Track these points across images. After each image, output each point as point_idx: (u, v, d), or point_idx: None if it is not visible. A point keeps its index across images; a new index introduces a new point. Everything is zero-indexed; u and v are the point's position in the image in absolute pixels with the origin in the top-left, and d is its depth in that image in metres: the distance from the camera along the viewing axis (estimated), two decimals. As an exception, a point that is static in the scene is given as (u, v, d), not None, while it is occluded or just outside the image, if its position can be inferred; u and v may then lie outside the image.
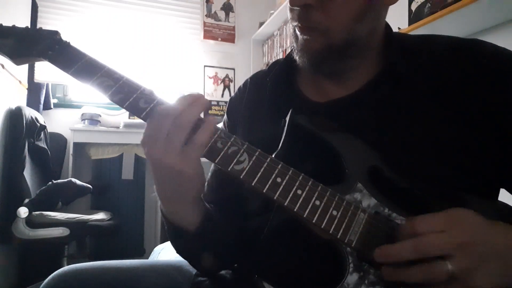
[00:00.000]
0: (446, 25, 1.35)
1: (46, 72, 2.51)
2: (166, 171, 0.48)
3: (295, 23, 0.54)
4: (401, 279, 0.41)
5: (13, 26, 0.56)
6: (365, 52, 0.57)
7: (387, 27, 0.59)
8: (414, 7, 1.53)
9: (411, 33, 0.63)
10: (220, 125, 0.55)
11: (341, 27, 0.51)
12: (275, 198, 0.45)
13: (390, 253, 0.42)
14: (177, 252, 0.64)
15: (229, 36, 3.13)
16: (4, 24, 0.56)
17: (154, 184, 0.52)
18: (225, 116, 0.75)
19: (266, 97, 0.65)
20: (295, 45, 0.57)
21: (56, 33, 0.55)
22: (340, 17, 0.50)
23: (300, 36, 0.54)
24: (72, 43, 0.55)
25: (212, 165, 0.73)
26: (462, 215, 0.42)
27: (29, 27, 0.57)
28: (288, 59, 0.65)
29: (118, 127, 2.63)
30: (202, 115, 0.48)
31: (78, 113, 2.62)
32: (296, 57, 0.57)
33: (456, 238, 0.40)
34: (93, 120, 2.58)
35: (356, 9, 0.50)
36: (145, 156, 0.48)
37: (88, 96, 2.86)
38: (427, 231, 0.40)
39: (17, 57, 0.54)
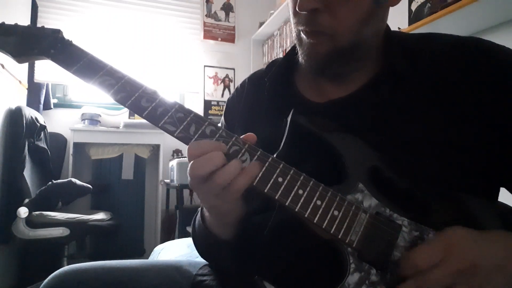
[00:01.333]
0: (446, 25, 1.36)
1: (46, 72, 2.52)
2: (206, 203, 0.52)
3: (302, 28, 0.53)
4: None
5: (16, 25, 0.56)
6: (368, 53, 0.56)
7: (387, 27, 0.59)
8: (414, 7, 1.53)
9: (411, 33, 0.63)
10: (219, 125, 0.55)
11: (348, 31, 0.51)
12: (276, 197, 0.45)
13: None
14: (200, 252, 0.67)
15: (229, 36, 3.13)
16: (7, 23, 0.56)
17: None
18: (222, 118, 0.74)
19: (264, 97, 0.65)
20: (299, 49, 0.56)
21: (58, 31, 0.55)
22: (347, 20, 0.50)
23: (306, 40, 0.53)
24: (74, 42, 0.55)
25: None
26: (457, 237, 0.42)
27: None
28: (287, 58, 0.65)
29: (118, 127, 2.63)
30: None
31: (78, 113, 2.62)
32: (302, 61, 0.56)
33: (455, 266, 0.40)
34: (93, 120, 2.58)
35: (363, 12, 0.50)
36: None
37: (88, 96, 2.86)
38: (427, 266, 0.41)
39: (19, 56, 0.54)
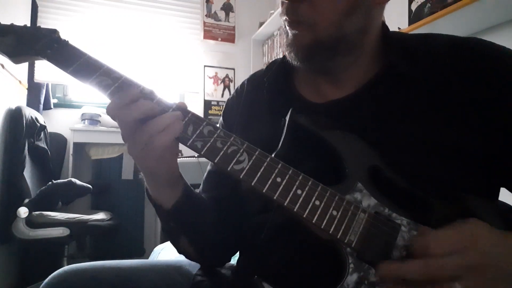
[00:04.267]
0: (446, 25, 1.35)
1: (46, 72, 2.51)
2: (135, 158, 0.51)
3: (284, 17, 0.55)
4: None
5: (12, 24, 0.56)
6: (358, 51, 0.56)
7: (384, 27, 0.59)
8: (414, 7, 1.53)
9: (411, 33, 0.62)
10: (217, 125, 0.56)
11: (328, 22, 0.51)
12: (275, 198, 0.45)
13: (397, 271, 0.41)
14: (163, 232, 0.66)
15: (229, 36, 3.13)
16: (3, 23, 0.56)
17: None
18: (221, 119, 0.75)
19: (263, 97, 0.64)
20: (285, 40, 0.57)
21: (54, 31, 0.55)
22: (327, 11, 0.51)
23: (289, 31, 0.55)
24: (71, 42, 0.55)
25: (209, 165, 0.73)
26: (475, 231, 0.41)
27: (28, 25, 0.57)
28: (286, 59, 0.65)
29: (118, 127, 2.63)
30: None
31: (78, 113, 2.62)
32: (286, 52, 0.57)
33: (468, 261, 0.39)
34: (93, 120, 2.58)
35: (343, 4, 0.51)
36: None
37: (88, 96, 2.86)
38: (440, 253, 0.40)
39: (15, 56, 0.54)
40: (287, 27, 0.55)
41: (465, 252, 0.40)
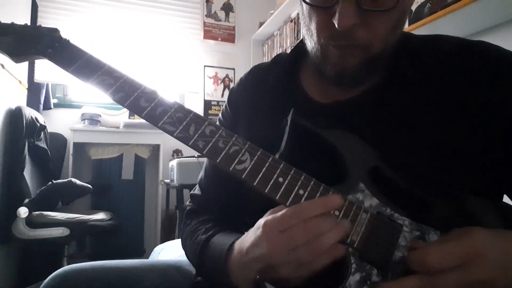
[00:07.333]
0: (446, 25, 1.35)
1: (46, 72, 2.52)
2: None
3: (335, 42, 0.50)
4: None
5: (12, 24, 0.55)
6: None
7: None
8: (414, 7, 1.52)
9: (420, 34, 0.62)
10: (218, 124, 0.54)
11: (381, 40, 0.50)
12: (276, 198, 0.45)
13: None
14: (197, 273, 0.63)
15: (229, 36, 3.13)
16: (3, 22, 0.56)
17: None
18: (225, 107, 0.72)
19: (268, 94, 0.64)
20: (322, 59, 0.54)
21: (55, 30, 0.55)
22: (382, 31, 0.49)
23: (336, 52, 0.51)
24: (72, 41, 0.55)
25: (206, 161, 0.72)
26: (479, 244, 0.39)
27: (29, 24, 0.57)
28: (293, 55, 0.64)
29: (118, 127, 2.63)
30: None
31: (78, 113, 2.62)
32: (325, 69, 0.54)
33: (472, 277, 0.38)
34: (93, 120, 2.58)
35: (395, 20, 0.49)
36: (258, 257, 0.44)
37: (88, 96, 2.86)
38: (439, 268, 0.38)
39: (16, 55, 0.54)
40: (334, 50, 0.51)
41: (469, 268, 0.38)
